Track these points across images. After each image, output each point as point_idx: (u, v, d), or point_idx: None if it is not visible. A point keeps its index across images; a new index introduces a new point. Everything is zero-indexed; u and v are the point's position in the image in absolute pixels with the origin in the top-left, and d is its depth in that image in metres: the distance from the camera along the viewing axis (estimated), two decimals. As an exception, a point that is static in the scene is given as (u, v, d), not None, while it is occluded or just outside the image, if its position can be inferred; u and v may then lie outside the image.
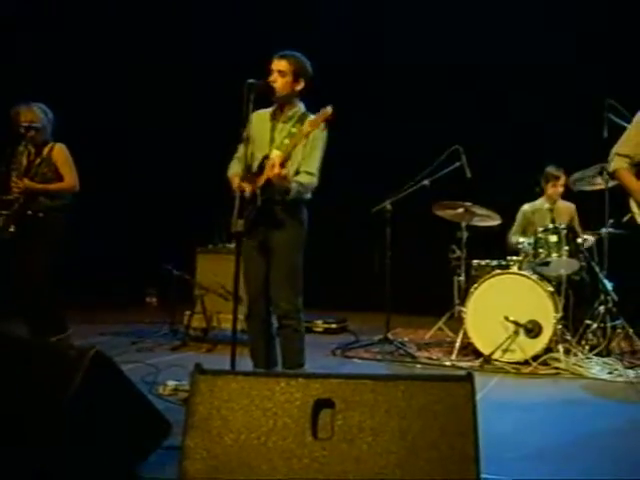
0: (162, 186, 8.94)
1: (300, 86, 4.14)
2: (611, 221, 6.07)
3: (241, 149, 4.05)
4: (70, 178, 5.21)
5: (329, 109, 3.81)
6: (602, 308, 5.94)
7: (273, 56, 4.13)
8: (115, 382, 2.84)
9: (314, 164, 4.08)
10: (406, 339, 6.67)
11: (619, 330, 6.09)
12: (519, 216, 6.82)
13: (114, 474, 2.77)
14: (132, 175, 8.98)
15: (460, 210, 6.26)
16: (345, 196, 7.86)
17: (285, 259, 4.09)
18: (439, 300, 6.69)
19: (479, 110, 7.92)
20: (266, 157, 4.01)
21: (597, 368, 5.35)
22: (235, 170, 4.21)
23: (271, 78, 4.07)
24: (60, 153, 5.21)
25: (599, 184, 6.10)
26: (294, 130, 4.02)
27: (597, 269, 6.18)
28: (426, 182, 6.26)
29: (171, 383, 4.29)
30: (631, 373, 5.18)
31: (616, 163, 4.24)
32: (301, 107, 4.19)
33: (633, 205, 4.21)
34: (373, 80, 8.42)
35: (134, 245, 8.91)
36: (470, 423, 2.30)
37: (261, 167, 4.03)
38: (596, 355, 5.70)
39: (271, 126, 4.16)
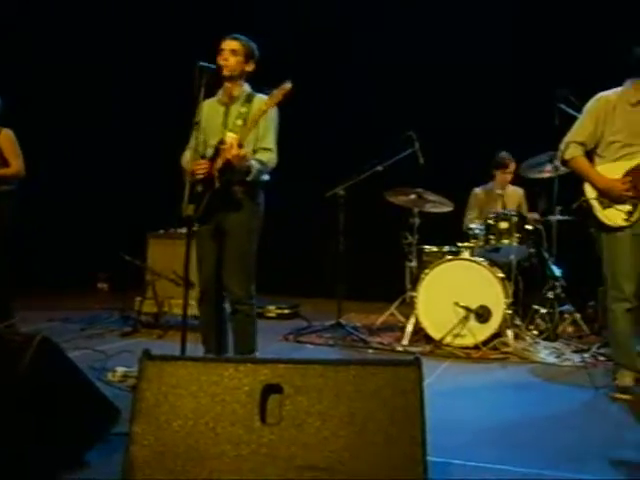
0: (115, 171, 8.81)
1: (250, 68, 4.15)
2: (560, 208, 6.18)
3: (193, 139, 4.00)
4: (16, 164, 5.12)
5: (288, 84, 3.78)
6: (551, 294, 6.06)
7: (224, 37, 4.12)
8: (62, 369, 2.80)
9: (271, 141, 4.10)
10: (358, 324, 6.70)
11: (567, 315, 6.23)
12: (471, 199, 6.91)
13: (61, 461, 2.74)
14: (84, 160, 8.82)
15: (412, 196, 6.29)
16: (299, 180, 7.83)
17: (239, 244, 4.08)
18: (391, 286, 6.72)
19: (432, 97, 7.94)
20: (221, 142, 3.98)
21: (545, 352, 5.45)
22: (188, 158, 4.17)
23: (222, 56, 4.06)
24: (6, 139, 5.11)
25: (549, 171, 6.20)
26: (244, 109, 4.01)
27: (546, 255, 6.30)
28: (379, 168, 6.28)
29: (120, 369, 4.24)
30: (578, 357, 5.28)
31: (572, 151, 4.34)
32: (247, 87, 4.19)
33: (589, 191, 4.29)
34: (331, 65, 8.39)
35: (85, 230, 8.78)
36: (417, 407, 2.32)
37: (217, 151, 3.99)
38: (544, 340, 5.82)
39: (224, 110, 4.14)
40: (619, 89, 4.31)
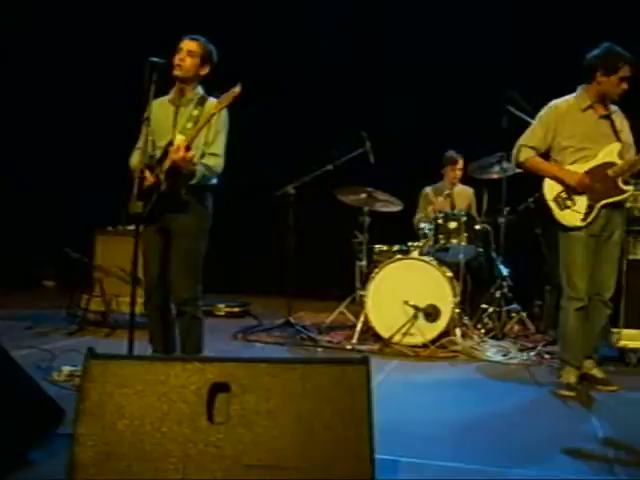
0: (62, 167, 8.66)
1: (205, 71, 4.09)
2: (508, 209, 6.28)
3: (142, 140, 3.95)
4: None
5: (237, 88, 3.76)
6: (498, 293, 6.15)
7: (182, 37, 4.07)
8: (4, 368, 2.75)
9: (219, 146, 4.06)
10: (308, 323, 6.71)
11: (514, 314, 6.33)
12: (421, 198, 6.97)
13: (4, 462, 2.68)
14: (31, 155, 8.65)
15: (363, 195, 6.32)
16: (248, 179, 7.81)
17: (186, 246, 4.03)
18: (341, 284, 6.74)
19: (383, 97, 7.99)
20: (170, 143, 3.93)
21: (492, 351, 5.52)
22: (137, 159, 4.11)
23: (179, 56, 4.00)
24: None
25: (497, 173, 6.30)
26: (196, 113, 3.97)
27: (494, 255, 6.38)
28: (330, 167, 6.30)
29: (66, 369, 4.18)
30: (524, 356, 5.36)
31: (525, 153, 4.46)
32: (200, 90, 4.14)
33: (548, 192, 4.40)
34: (281, 64, 8.38)
35: (31, 227, 8.61)
36: (365, 405, 2.33)
37: (165, 153, 3.94)
38: (491, 338, 5.90)
39: (174, 110, 4.08)
40: (571, 96, 4.44)
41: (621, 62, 4.22)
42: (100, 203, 7.31)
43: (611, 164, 4.29)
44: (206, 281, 4.16)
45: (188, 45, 4.02)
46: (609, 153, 4.31)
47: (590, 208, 4.27)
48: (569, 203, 4.32)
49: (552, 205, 4.37)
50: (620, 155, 4.31)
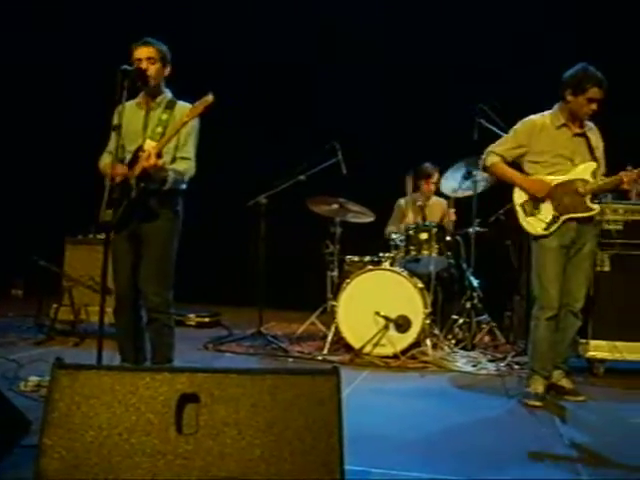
0: (31, 173, 8.58)
1: (167, 71, 4.10)
2: (478, 220, 6.32)
3: (112, 142, 3.91)
4: None
5: (210, 97, 3.75)
6: (468, 304, 6.18)
7: (133, 45, 4.02)
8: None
9: (190, 150, 4.05)
10: (279, 333, 6.70)
11: (484, 325, 6.37)
12: (395, 209, 6.98)
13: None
14: (2, 163, 8.55)
15: (334, 206, 6.33)
16: (220, 188, 7.79)
17: (157, 251, 4.01)
18: (312, 295, 6.74)
19: (355, 107, 8.02)
20: (140, 148, 3.91)
21: (462, 361, 5.55)
22: (106, 161, 4.09)
23: (142, 66, 3.94)
24: None
25: (467, 188, 6.34)
26: (165, 117, 3.95)
27: (464, 266, 6.42)
28: (302, 177, 6.30)
29: (33, 379, 4.12)
30: (493, 366, 5.39)
31: (492, 158, 4.58)
32: (168, 94, 4.12)
33: (516, 197, 4.49)
34: (254, 71, 8.39)
35: (0, 234, 8.50)
36: (335, 416, 2.33)
37: (135, 158, 3.92)
38: (462, 349, 5.93)
39: (144, 114, 4.06)
40: (548, 112, 4.51)
41: (589, 84, 4.29)
42: (70, 211, 7.25)
43: (584, 181, 4.36)
44: (177, 290, 4.14)
45: (144, 52, 3.98)
46: (583, 171, 4.40)
47: (555, 219, 4.36)
48: (535, 211, 4.42)
49: (518, 210, 4.47)
50: (594, 174, 4.40)
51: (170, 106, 4.02)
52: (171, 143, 3.94)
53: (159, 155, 3.79)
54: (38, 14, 8.51)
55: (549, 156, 4.42)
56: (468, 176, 6.24)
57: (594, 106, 4.33)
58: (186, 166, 4.01)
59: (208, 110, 3.77)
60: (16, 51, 8.51)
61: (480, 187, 6.20)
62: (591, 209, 4.38)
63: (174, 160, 4.01)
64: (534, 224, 4.40)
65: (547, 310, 4.38)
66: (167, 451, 2.27)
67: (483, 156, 4.64)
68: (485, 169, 4.68)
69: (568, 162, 4.40)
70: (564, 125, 4.44)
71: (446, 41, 7.75)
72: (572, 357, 4.88)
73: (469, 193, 6.33)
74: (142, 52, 3.98)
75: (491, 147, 4.61)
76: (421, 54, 7.78)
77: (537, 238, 4.41)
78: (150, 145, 3.85)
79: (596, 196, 4.42)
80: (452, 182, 6.44)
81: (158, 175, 3.85)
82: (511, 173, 4.52)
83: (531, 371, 4.53)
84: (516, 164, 4.56)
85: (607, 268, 5.19)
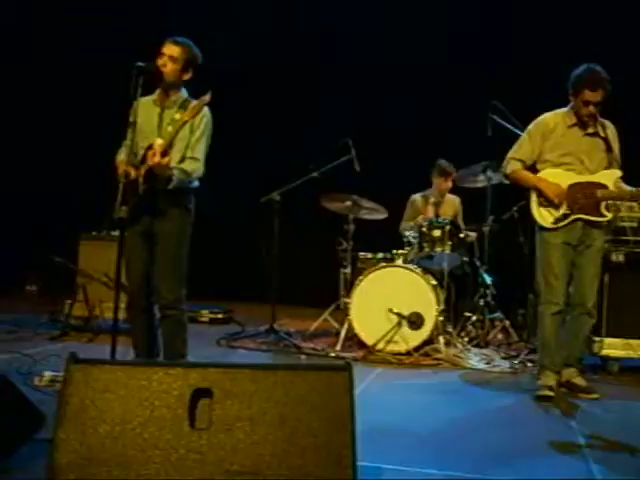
0: (47, 170, 8.61)
1: (188, 76, 4.05)
2: (492, 217, 6.30)
3: (129, 135, 3.93)
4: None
5: (207, 97, 3.76)
6: (482, 301, 6.17)
7: (166, 39, 4.02)
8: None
9: (200, 151, 4.03)
10: (292, 330, 6.70)
11: (497, 322, 6.35)
12: (409, 205, 6.96)
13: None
14: (15, 159, 8.60)
15: (348, 203, 6.32)
16: (233, 185, 7.80)
17: (169, 248, 4.02)
18: (325, 291, 6.73)
19: (369, 105, 8.01)
20: (150, 147, 3.91)
21: (475, 359, 5.54)
22: (122, 157, 4.10)
23: (160, 61, 3.95)
24: None
25: (482, 181, 6.33)
26: (177, 116, 3.94)
27: (478, 264, 6.40)
28: (315, 174, 6.29)
29: (48, 374, 4.14)
30: (507, 364, 5.38)
31: (512, 166, 4.56)
32: (184, 93, 4.11)
33: (535, 202, 4.46)
34: (268, 69, 8.39)
35: (15, 231, 8.55)
36: (347, 412, 2.32)
37: (145, 156, 3.93)
38: (475, 346, 5.92)
39: (159, 112, 4.06)
40: (561, 110, 4.49)
41: (582, 86, 4.29)
42: (85, 208, 7.28)
43: (604, 186, 4.34)
44: (190, 287, 4.15)
45: (170, 50, 3.96)
46: (607, 176, 4.41)
47: (565, 216, 4.36)
48: (549, 203, 4.41)
49: (534, 198, 4.46)
50: (615, 183, 4.39)
51: (184, 106, 3.99)
52: (183, 142, 3.95)
53: (164, 154, 3.79)
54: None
55: (555, 155, 4.43)
56: (484, 169, 6.21)
57: (591, 108, 4.30)
58: (194, 166, 4.00)
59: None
60: (32, 45, 8.55)
61: (494, 181, 6.16)
62: (604, 215, 4.38)
63: (183, 159, 4.00)
64: (545, 215, 4.41)
65: (552, 305, 4.38)
66: (180, 446, 2.28)
67: (504, 163, 4.63)
68: (506, 176, 4.67)
69: (577, 161, 4.40)
70: (575, 124, 4.42)
71: (464, 39, 7.73)
72: (586, 355, 4.87)
73: (484, 184, 6.31)
74: (168, 48, 3.97)
75: (510, 153, 4.60)
76: (440, 51, 7.75)
77: (542, 230, 4.43)
78: (158, 143, 3.84)
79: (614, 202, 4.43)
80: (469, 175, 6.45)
81: (163, 174, 3.85)
82: (529, 177, 4.50)
83: (541, 367, 4.54)
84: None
85: (621, 266, 5.17)
